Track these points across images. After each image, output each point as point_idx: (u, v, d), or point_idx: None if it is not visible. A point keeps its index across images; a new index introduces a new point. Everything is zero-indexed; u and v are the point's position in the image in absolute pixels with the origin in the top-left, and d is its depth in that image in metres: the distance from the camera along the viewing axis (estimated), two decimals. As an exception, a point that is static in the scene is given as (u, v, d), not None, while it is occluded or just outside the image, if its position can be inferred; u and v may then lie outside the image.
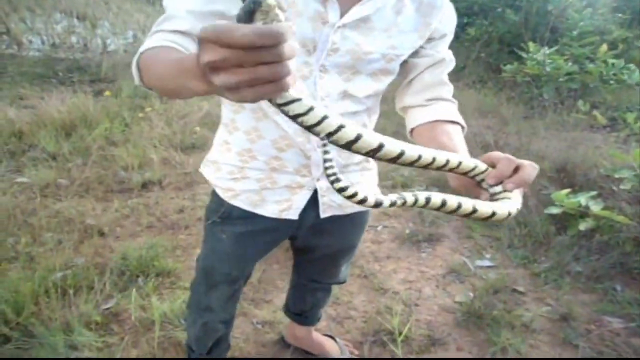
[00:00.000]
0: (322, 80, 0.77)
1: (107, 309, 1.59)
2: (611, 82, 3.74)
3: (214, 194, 0.94)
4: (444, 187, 2.66)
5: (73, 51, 5.34)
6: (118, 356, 1.39)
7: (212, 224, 0.95)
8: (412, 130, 0.83)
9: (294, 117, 0.41)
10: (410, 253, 2.09)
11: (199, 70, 0.39)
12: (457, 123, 0.79)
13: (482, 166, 0.59)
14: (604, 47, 3.76)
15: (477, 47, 5.21)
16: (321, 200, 0.90)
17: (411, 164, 0.50)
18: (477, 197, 0.60)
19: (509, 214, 0.54)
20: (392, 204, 0.50)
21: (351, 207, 0.96)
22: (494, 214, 0.53)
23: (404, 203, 0.51)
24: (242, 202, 0.89)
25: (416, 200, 0.51)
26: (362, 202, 0.49)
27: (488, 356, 1.49)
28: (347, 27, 0.74)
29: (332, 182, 0.48)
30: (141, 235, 2.08)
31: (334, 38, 0.74)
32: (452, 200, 0.53)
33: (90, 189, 2.45)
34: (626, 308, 1.71)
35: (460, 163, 0.56)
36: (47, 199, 2.31)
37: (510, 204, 0.55)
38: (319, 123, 0.41)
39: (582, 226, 1.97)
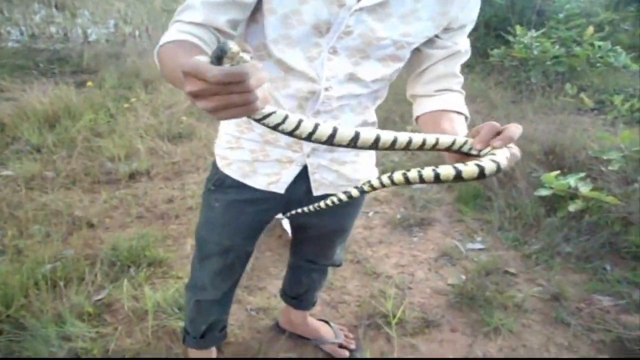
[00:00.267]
0: (331, 62, 0.77)
1: (99, 299, 1.57)
2: (598, 65, 3.77)
3: (213, 163, 0.99)
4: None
5: (53, 41, 5.21)
6: (112, 346, 1.38)
7: (207, 192, 1.00)
8: (417, 117, 0.85)
9: (274, 127, 0.47)
10: (402, 238, 2.10)
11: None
12: (462, 114, 0.80)
13: (461, 139, 0.60)
14: (591, 29, 3.78)
15: (464, 32, 5.19)
16: (312, 177, 0.92)
17: (390, 147, 0.53)
18: None
19: (498, 166, 0.53)
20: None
21: (345, 187, 0.96)
22: (481, 169, 0.52)
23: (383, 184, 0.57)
24: (233, 172, 0.93)
25: (392, 178, 0.56)
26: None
27: (481, 337, 1.51)
28: (363, 11, 0.73)
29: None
30: (131, 226, 2.05)
31: (349, 21, 0.73)
32: (429, 171, 0.54)
33: (77, 180, 2.40)
34: (615, 286, 1.75)
35: (437, 140, 0.58)
36: (33, 191, 2.26)
37: (496, 157, 0.54)
38: (297, 127, 0.48)
39: (572, 207, 2.00)
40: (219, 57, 0.42)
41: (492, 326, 1.54)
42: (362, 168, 0.99)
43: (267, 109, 0.46)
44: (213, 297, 1.12)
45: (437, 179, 0.53)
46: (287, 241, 1.36)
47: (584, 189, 2.00)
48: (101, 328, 1.45)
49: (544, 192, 2.09)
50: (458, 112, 0.79)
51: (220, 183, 0.96)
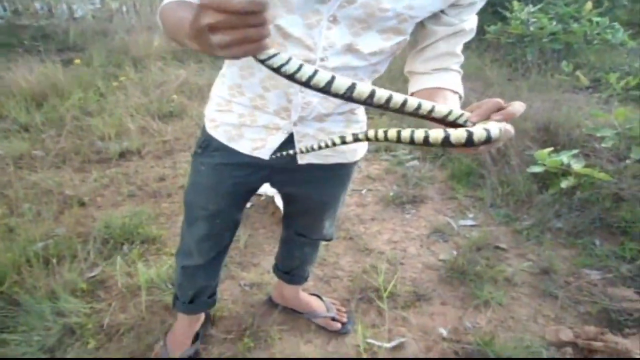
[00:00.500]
0: (330, 31, 0.74)
1: (93, 276, 1.58)
2: (595, 42, 3.73)
3: (203, 126, 0.99)
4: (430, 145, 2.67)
5: (37, 18, 5.07)
6: (106, 321, 1.39)
7: (195, 155, 1.01)
8: (412, 94, 0.83)
9: (277, 69, 0.49)
10: (394, 215, 2.11)
11: (192, 32, 0.49)
12: (457, 92, 0.78)
13: (458, 110, 0.59)
14: (589, 4, 3.73)
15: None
16: (297, 145, 0.91)
17: (384, 105, 0.53)
18: None
19: (488, 134, 0.52)
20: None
21: (331, 157, 0.96)
22: (470, 135, 0.52)
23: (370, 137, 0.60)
24: (220, 135, 0.93)
25: (385, 132, 0.57)
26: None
27: (471, 309, 1.54)
28: None
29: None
30: (123, 204, 2.04)
31: None
32: (420, 132, 0.54)
33: (67, 159, 2.38)
34: (604, 261, 1.77)
35: (433, 107, 0.57)
36: (22, 170, 2.23)
37: (487, 126, 0.53)
38: (298, 70, 0.49)
39: (564, 184, 2.01)
40: None
41: (482, 299, 1.57)
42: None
43: (271, 50, 0.48)
44: (197, 263, 1.13)
45: (426, 140, 0.53)
46: (280, 218, 1.36)
47: (577, 165, 2.00)
48: (95, 304, 1.46)
49: (536, 169, 2.10)
50: (453, 91, 0.78)
51: (206, 145, 0.96)
